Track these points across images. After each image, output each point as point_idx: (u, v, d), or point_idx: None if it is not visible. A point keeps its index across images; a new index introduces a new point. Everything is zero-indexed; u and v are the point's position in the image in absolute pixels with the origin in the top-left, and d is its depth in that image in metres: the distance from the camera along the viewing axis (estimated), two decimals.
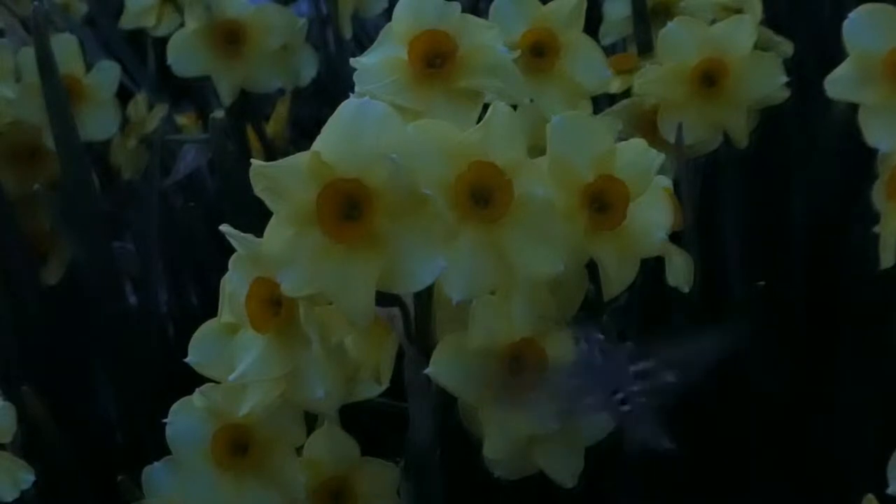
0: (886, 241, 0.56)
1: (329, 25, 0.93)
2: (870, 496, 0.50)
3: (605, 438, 0.52)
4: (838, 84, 0.57)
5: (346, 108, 0.48)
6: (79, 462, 0.70)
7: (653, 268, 0.55)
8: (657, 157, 0.52)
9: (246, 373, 0.50)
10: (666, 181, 0.55)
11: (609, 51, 0.72)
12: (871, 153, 0.57)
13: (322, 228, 0.46)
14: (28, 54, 0.74)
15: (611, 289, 0.52)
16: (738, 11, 0.70)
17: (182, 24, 0.79)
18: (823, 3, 0.83)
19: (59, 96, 0.72)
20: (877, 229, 0.57)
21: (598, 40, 0.67)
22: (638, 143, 0.53)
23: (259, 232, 0.48)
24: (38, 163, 0.77)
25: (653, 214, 0.52)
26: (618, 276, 0.52)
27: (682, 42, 0.66)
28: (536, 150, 0.51)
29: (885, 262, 0.56)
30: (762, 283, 0.67)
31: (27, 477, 0.58)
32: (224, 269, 0.51)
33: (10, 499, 0.58)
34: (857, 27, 0.57)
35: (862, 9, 0.57)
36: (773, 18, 0.74)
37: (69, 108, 0.73)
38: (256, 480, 0.52)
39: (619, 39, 0.78)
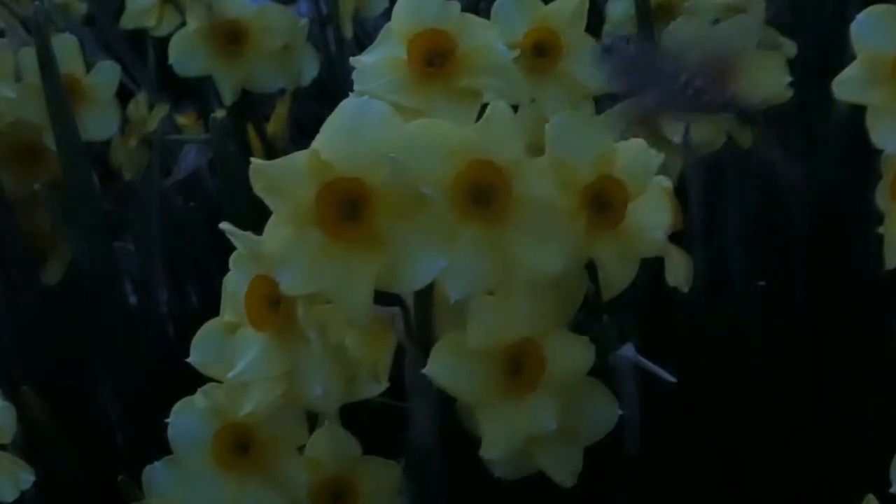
0: (890, 241, 0.56)
1: (329, 25, 0.93)
2: (870, 496, 0.50)
3: (604, 438, 0.52)
4: (846, 85, 0.57)
5: (345, 108, 0.47)
6: (79, 462, 0.70)
7: (654, 267, 0.55)
8: (656, 157, 0.52)
9: (245, 371, 0.49)
10: (666, 181, 0.55)
11: None
12: (873, 153, 0.57)
13: (321, 227, 0.46)
14: (28, 54, 0.74)
15: (610, 289, 0.52)
16: (742, 11, 0.70)
17: (183, 24, 0.79)
18: (825, 3, 0.83)
19: (60, 96, 0.72)
20: (881, 230, 0.56)
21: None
22: (637, 143, 0.52)
23: (259, 231, 0.48)
24: (39, 163, 0.77)
25: (652, 214, 0.52)
26: (617, 276, 0.51)
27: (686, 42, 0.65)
28: (538, 149, 0.51)
29: (889, 262, 0.56)
30: (763, 282, 0.67)
31: (27, 477, 0.58)
32: (224, 269, 0.51)
33: (10, 499, 0.58)
34: (865, 28, 0.57)
35: (870, 10, 0.57)
36: (774, 18, 0.74)
37: (69, 108, 0.73)
38: (258, 480, 0.52)
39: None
